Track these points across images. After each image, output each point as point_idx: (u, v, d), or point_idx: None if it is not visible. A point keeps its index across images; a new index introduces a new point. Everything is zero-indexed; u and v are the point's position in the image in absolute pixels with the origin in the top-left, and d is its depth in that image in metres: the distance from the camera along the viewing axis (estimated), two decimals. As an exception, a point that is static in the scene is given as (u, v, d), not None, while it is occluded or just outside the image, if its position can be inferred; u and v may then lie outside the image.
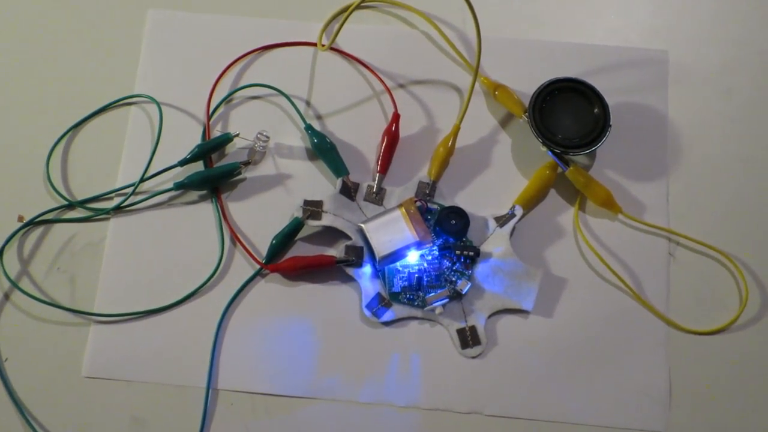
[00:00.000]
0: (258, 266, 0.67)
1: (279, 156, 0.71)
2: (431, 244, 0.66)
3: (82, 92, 0.72)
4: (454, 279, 0.67)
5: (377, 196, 0.69)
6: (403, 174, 0.70)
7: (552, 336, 0.67)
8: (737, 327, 0.67)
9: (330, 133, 0.71)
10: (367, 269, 0.67)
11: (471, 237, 0.68)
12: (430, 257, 0.67)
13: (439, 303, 0.66)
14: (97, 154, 0.70)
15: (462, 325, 0.67)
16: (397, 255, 0.66)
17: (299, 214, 0.68)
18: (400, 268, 0.67)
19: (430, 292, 0.67)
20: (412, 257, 0.67)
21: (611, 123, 0.69)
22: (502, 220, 0.69)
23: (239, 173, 0.69)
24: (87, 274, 0.67)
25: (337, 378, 0.65)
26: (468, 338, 0.66)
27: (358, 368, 0.65)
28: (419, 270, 0.67)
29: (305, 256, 0.67)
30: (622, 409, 0.64)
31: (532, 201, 0.70)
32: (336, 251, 0.68)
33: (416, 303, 0.67)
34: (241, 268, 0.68)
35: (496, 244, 0.68)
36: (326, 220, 0.67)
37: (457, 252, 0.67)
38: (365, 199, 0.69)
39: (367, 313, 0.66)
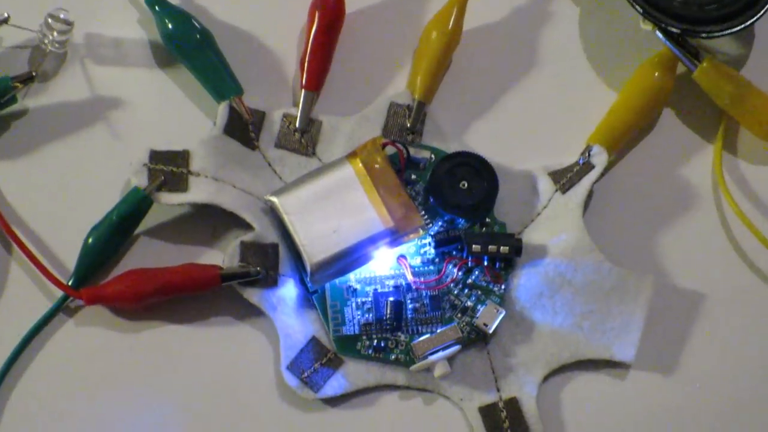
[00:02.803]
0: (61, 292, 0.65)
1: (95, 62, 0.69)
2: (421, 234, 0.64)
3: None
4: (470, 304, 0.65)
5: (304, 138, 0.67)
6: (357, 89, 0.70)
7: (677, 410, 0.66)
8: None
9: (202, 11, 0.70)
10: (289, 290, 0.65)
11: (502, 215, 0.67)
12: (418, 262, 0.65)
13: (442, 354, 0.63)
14: None
15: (490, 397, 0.64)
16: (349, 260, 0.64)
17: (141, 180, 0.64)
18: (358, 287, 0.65)
19: (420, 333, 0.64)
20: (382, 263, 0.65)
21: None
22: (565, 179, 0.67)
23: (12, 100, 0.67)
24: None
25: None
26: (503, 425, 0.64)
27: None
28: (396, 289, 0.65)
29: (157, 268, 0.64)
30: None
31: (625, 135, 0.68)
32: (222, 256, 0.65)
33: (393, 356, 0.64)
34: (27, 296, 0.66)
35: (555, 227, 0.67)
36: (198, 192, 0.65)
37: (475, 249, 0.64)
38: (279, 145, 0.67)
39: (291, 381, 0.63)
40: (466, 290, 0.65)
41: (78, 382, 0.64)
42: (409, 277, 0.64)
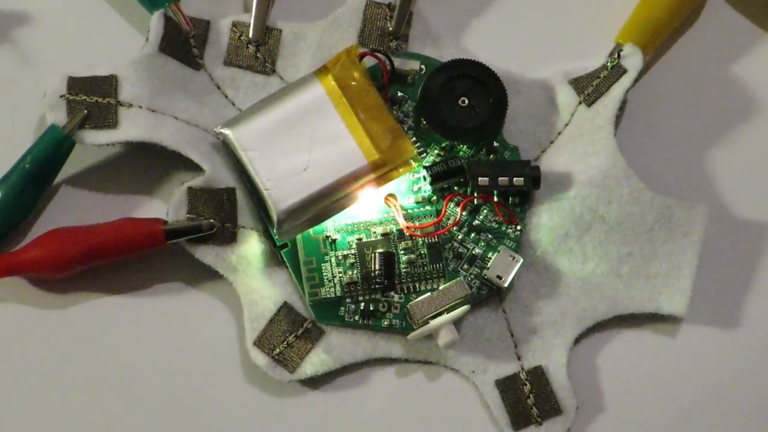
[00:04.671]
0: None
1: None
2: (414, 167, 0.61)
3: None
4: (479, 252, 0.62)
5: (260, 51, 0.64)
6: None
7: (740, 374, 0.62)
8: None
9: None
10: (252, 246, 0.62)
11: (514, 138, 0.64)
12: (411, 202, 0.63)
13: (446, 318, 0.60)
14: None
15: (510, 368, 0.61)
16: (325, 204, 0.60)
17: (59, 116, 0.60)
18: (337, 237, 0.62)
19: (418, 292, 0.62)
20: (366, 206, 0.62)
21: None
22: (590, 88, 0.64)
23: None
24: None
25: None
26: (526, 400, 0.61)
27: None
28: (385, 238, 0.62)
29: (84, 226, 0.60)
30: None
31: (663, 29, 0.65)
32: (165, 207, 0.61)
33: (386, 323, 0.61)
34: None
35: (580, 150, 0.63)
36: (131, 127, 0.61)
37: (482, 183, 0.61)
38: (229, 62, 0.64)
39: (259, 359, 0.60)
40: (473, 235, 0.61)
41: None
42: (401, 222, 0.60)
